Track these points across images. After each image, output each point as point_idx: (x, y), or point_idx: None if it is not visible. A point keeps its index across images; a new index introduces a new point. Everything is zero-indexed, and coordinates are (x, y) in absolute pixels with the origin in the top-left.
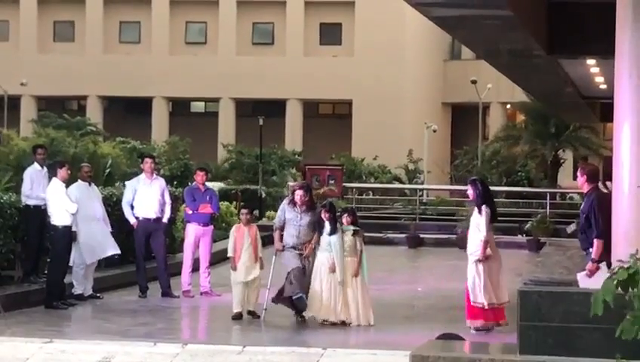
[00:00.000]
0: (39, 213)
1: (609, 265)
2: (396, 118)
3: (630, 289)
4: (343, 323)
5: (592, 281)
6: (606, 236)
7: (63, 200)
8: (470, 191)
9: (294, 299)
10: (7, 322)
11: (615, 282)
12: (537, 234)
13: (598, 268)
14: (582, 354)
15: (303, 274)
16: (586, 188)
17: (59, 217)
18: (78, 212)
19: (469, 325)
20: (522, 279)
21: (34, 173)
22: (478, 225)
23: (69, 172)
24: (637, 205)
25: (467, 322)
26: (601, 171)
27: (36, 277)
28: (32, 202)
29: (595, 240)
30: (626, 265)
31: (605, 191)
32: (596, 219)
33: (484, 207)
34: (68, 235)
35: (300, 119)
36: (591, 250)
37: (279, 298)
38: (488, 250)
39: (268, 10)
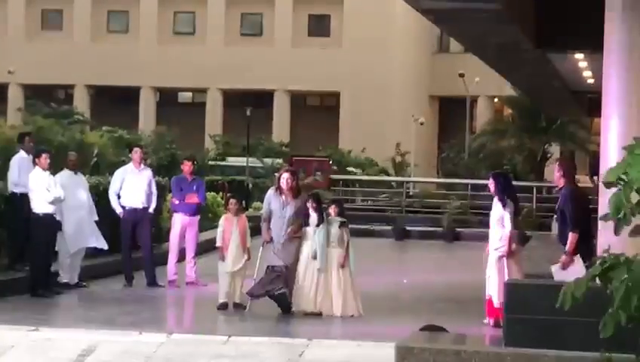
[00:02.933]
0: (26, 201)
1: (584, 258)
2: (384, 111)
3: (609, 285)
4: (320, 314)
5: (566, 273)
6: (582, 229)
7: (42, 188)
8: (491, 186)
9: (277, 294)
10: None
11: (591, 276)
12: (523, 228)
13: (572, 261)
14: (567, 347)
15: (283, 270)
16: (561, 183)
17: (39, 205)
18: (64, 201)
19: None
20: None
21: (21, 160)
22: (500, 219)
23: (49, 160)
24: None
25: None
26: (587, 165)
27: (22, 266)
28: (19, 190)
29: (569, 233)
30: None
31: (592, 185)
32: (570, 213)
33: (509, 201)
34: (49, 223)
35: (287, 110)
36: (562, 245)
37: (257, 291)
38: (513, 246)
39: (257, 1)
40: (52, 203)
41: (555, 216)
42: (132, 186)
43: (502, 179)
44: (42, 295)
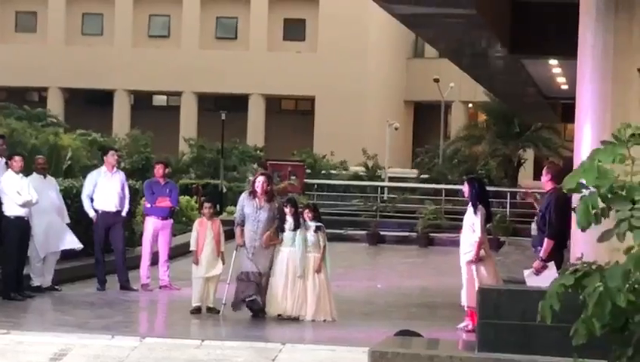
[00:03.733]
0: None
1: (558, 266)
2: (359, 116)
3: (581, 292)
4: (297, 319)
5: (538, 279)
6: (559, 237)
7: (13, 192)
8: (466, 189)
9: (247, 301)
10: None
11: (563, 286)
12: (497, 234)
13: (545, 267)
14: (540, 352)
15: (257, 276)
16: (548, 187)
17: (11, 208)
18: (34, 205)
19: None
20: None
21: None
22: (472, 225)
23: (21, 164)
24: None
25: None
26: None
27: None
28: None
29: (545, 239)
30: (573, 268)
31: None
32: (551, 219)
33: (480, 207)
34: (20, 226)
35: (262, 114)
36: (539, 248)
37: (237, 302)
38: (482, 252)
39: (232, 4)
40: (23, 206)
41: (536, 218)
42: (105, 190)
43: (476, 184)
44: (14, 298)
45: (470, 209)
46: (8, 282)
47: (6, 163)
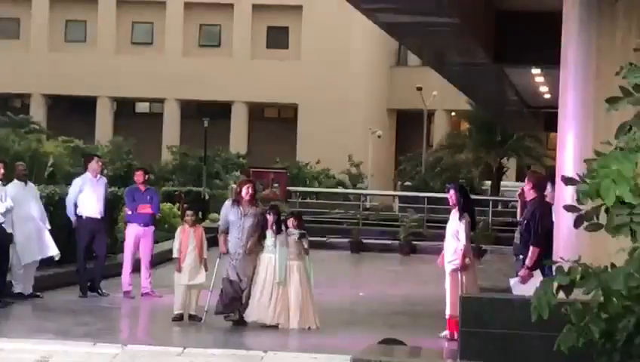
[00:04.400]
0: None
1: (543, 274)
2: (341, 123)
3: (569, 297)
4: (277, 327)
5: (524, 288)
6: (544, 245)
7: None
8: (453, 197)
9: (226, 318)
10: None
11: (555, 287)
12: (479, 242)
13: (531, 275)
14: (522, 361)
15: (238, 287)
16: (530, 197)
17: None
18: (14, 212)
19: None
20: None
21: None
22: (456, 232)
23: (3, 170)
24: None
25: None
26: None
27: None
28: None
29: (530, 247)
30: (566, 269)
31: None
32: (535, 227)
33: (465, 215)
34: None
35: (245, 122)
36: (521, 257)
37: (219, 308)
38: (467, 260)
39: (215, 12)
40: (2, 214)
41: (520, 227)
42: (90, 196)
43: (462, 190)
44: None
45: (454, 216)
46: None
47: None
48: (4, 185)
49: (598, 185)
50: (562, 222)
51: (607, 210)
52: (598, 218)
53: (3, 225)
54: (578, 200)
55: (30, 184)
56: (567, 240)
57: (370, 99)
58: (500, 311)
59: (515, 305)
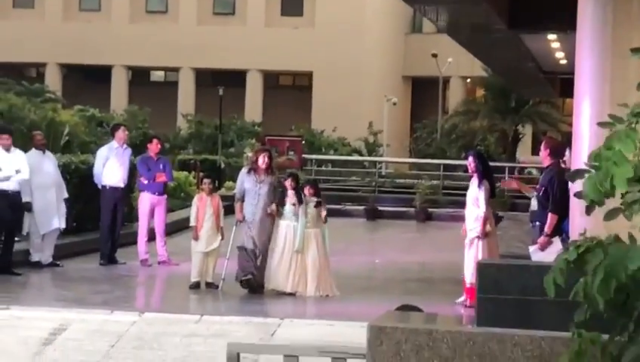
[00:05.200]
0: None
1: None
2: (356, 91)
3: (583, 268)
4: (294, 294)
5: (543, 254)
6: (562, 212)
7: None
8: (471, 164)
9: (243, 280)
10: None
11: (566, 262)
12: (495, 209)
13: (550, 242)
14: (539, 327)
15: (253, 255)
16: (547, 163)
17: None
18: (32, 181)
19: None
20: None
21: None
22: (476, 200)
23: (9, 141)
24: None
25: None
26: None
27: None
28: None
29: (549, 214)
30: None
31: (564, 166)
32: (554, 193)
33: (484, 181)
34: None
35: (260, 90)
36: (537, 224)
37: (239, 275)
38: (487, 227)
39: None
40: (2, 180)
41: (536, 194)
42: (115, 165)
43: (481, 157)
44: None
45: (474, 183)
46: None
47: None
48: (8, 151)
49: (602, 176)
50: (578, 190)
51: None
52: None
53: (10, 191)
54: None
55: (48, 153)
56: (584, 209)
57: (385, 67)
58: (516, 277)
59: (531, 271)
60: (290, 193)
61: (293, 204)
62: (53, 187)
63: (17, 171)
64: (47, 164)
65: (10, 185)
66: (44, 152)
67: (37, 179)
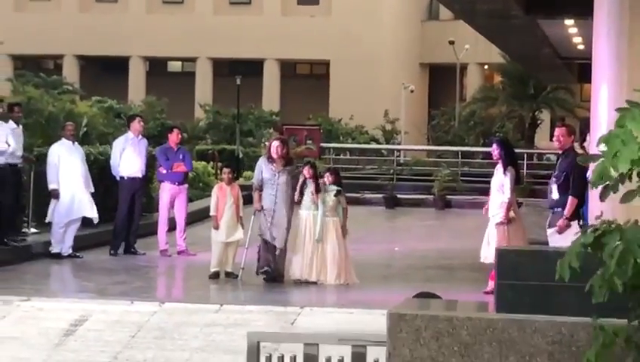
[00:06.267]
0: (17, 171)
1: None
2: (374, 79)
3: (600, 252)
4: (315, 283)
5: (560, 238)
6: (581, 196)
7: None
8: (495, 151)
9: (260, 272)
10: None
11: (582, 245)
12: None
13: (568, 226)
14: (558, 313)
15: (272, 245)
16: (567, 143)
17: None
18: (61, 171)
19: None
20: None
21: (11, 131)
22: (501, 186)
23: (1, 110)
24: None
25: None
26: (578, 132)
27: (15, 237)
28: (13, 160)
29: (569, 198)
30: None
31: (582, 152)
32: (574, 177)
33: (509, 168)
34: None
35: (277, 79)
36: (557, 210)
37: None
38: (511, 213)
39: None
40: (1, 153)
41: (555, 179)
42: (132, 156)
43: (504, 144)
44: (7, 244)
45: (499, 170)
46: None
47: (23, 129)
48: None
49: (609, 155)
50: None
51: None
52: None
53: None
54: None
55: (77, 145)
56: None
57: (402, 54)
58: (536, 263)
59: (551, 257)
60: (309, 182)
61: (312, 193)
62: (79, 178)
63: (7, 144)
64: (75, 155)
65: (5, 159)
66: (73, 143)
67: (64, 168)
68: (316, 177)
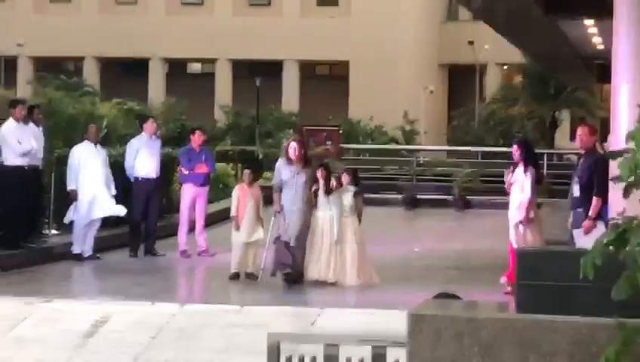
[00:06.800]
0: (37, 173)
1: (605, 224)
2: (393, 80)
3: (622, 249)
4: (334, 284)
5: (587, 239)
6: (605, 196)
7: (14, 140)
8: (516, 152)
9: (283, 273)
10: (5, 281)
11: (605, 243)
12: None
13: (594, 226)
14: (579, 313)
15: (289, 246)
16: (590, 143)
17: (10, 156)
18: (83, 172)
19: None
20: None
21: (31, 132)
22: (522, 186)
23: (24, 112)
24: None
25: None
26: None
27: (35, 239)
28: (34, 162)
29: (594, 198)
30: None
31: (602, 151)
32: (598, 177)
33: (530, 168)
34: (20, 175)
35: (296, 80)
36: (579, 210)
37: (275, 269)
38: (531, 213)
39: None
40: (24, 155)
41: (577, 178)
42: (146, 157)
43: (526, 145)
44: (22, 246)
45: (520, 170)
46: (5, 231)
47: (43, 131)
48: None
49: (635, 154)
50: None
51: None
52: None
53: (26, 166)
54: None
55: (100, 147)
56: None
57: (421, 55)
58: (555, 263)
59: (570, 256)
60: (321, 183)
61: (324, 194)
62: (99, 179)
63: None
64: (97, 158)
65: (27, 161)
66: (95, 145)
67: (84, 170)
68: (329, 179)
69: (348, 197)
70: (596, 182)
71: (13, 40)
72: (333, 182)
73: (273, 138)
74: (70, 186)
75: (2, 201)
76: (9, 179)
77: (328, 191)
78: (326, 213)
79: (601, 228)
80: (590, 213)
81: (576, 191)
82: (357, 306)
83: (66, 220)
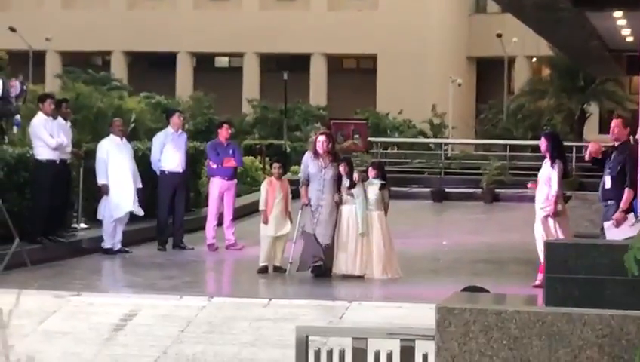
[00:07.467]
0: (67, 167)
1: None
2: (421, 73)
3: None
4: (362, 277)
5: (617, 231)
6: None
7: (45, 135)
8: (543, 145)
9: (313, 266)
10: (34, 275)
11: None
12: (563, 188)
13: (625, 218)
14: (607, 306)
15: (317, 240)
16: (623, 138)
17: (42, 151)
18: (109, 166)
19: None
20: None
21: (59, 126)
22: (548, 179)
23: (53, 106)
24: None
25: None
26: None
27: (63, 233)
28: (64, 156)
29: (626, 190)
30: None
31: (632, 144)
32: (630, 169)
33: (557, 161)
34: (52, 169)
35: (324, 74)
36: (610, 202)
37: (302, 263)
38: (559, 206)
39: None
40: (55, 148)
41: (609, 170)
42: (172, 150)
43: (553, 138)
44: (40, 242)
45: (547, 163)
46: (37, 226)
47: (71, 125)
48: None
49: None
50: None
51: None
52: None
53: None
54: None
55: (125, 141)
56: None
57: (449, 48)
58: (585, 256)
59: (600, 250)
60: (344, 178)
61: (346, 189)
62: (127, 173)
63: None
64: (123, 152)
65: (58, 155)
66: (121, 139)
67: (112, 164)
68: (351, 174)
69: (373, 191)
70: (628, 175)
71: (41, 35)
72: (356, 176)
73: (301, 132)
74: (101, 180)
75: (38, 196)
76: (44, 173)
77: (352, 185)
78: (351, 206)
79: (631, 220)
80: (622, 205)
81: (607, 183)
82: (385, 299)
83: (100, 216)
